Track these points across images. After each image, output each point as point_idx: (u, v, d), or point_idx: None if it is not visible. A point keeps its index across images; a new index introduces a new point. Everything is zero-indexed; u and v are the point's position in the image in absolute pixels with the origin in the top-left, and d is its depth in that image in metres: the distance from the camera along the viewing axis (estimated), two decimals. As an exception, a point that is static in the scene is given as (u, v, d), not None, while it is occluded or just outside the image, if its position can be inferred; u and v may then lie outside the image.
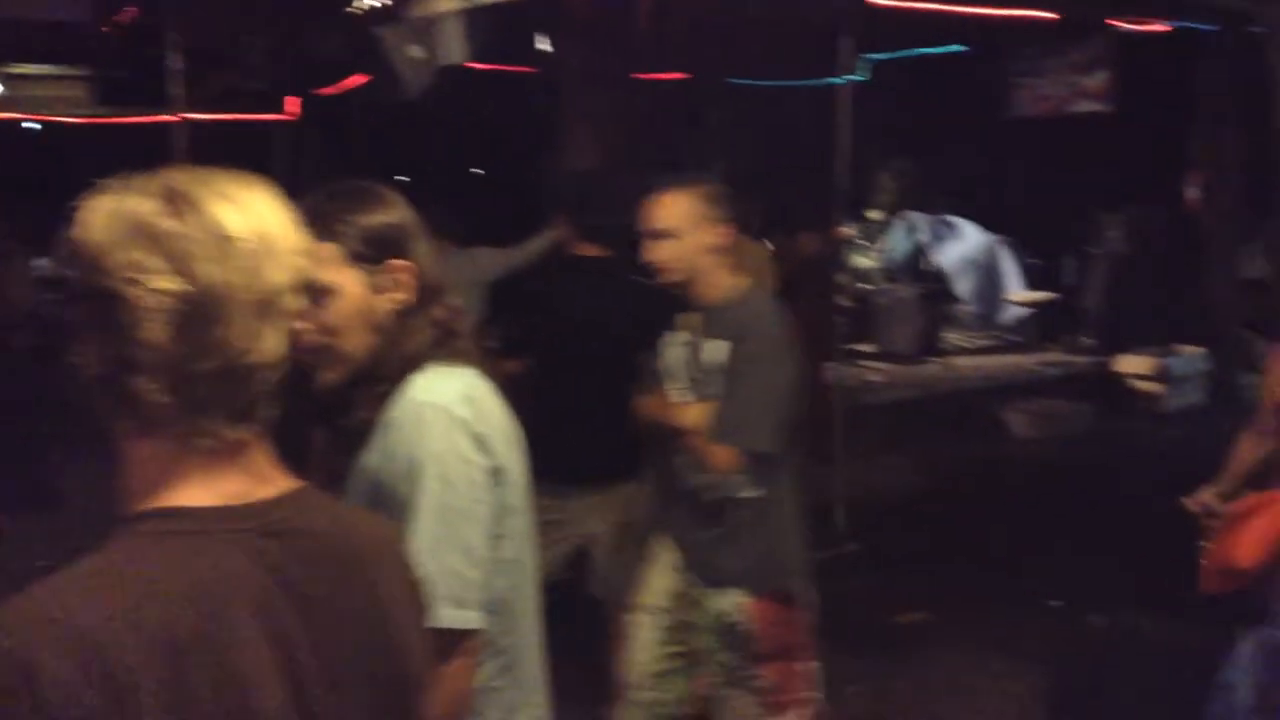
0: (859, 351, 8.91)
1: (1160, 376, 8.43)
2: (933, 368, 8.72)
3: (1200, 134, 8.90)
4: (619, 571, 3.46)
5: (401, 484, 1.55)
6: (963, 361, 8.92)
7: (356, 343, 1.64)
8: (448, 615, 1.51)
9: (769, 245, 7.29)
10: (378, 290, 1.67)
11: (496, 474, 1.62)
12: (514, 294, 4.29)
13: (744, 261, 7.14)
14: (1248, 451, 3.05)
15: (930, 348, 8.98)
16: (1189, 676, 3.73)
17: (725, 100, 12.91)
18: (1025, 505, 6.39)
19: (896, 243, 10.21)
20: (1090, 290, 9.57)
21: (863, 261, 10.42)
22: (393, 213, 1.70)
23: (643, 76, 11.57)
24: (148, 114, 11.65)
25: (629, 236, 3.17)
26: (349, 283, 1.64)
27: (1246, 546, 2.87)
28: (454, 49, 8.90)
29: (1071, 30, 10.72)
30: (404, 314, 1.67)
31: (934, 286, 9.46)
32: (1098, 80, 11.01)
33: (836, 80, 13.14)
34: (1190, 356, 8.68)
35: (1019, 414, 8.10)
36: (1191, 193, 9.10)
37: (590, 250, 3.78)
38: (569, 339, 3.66)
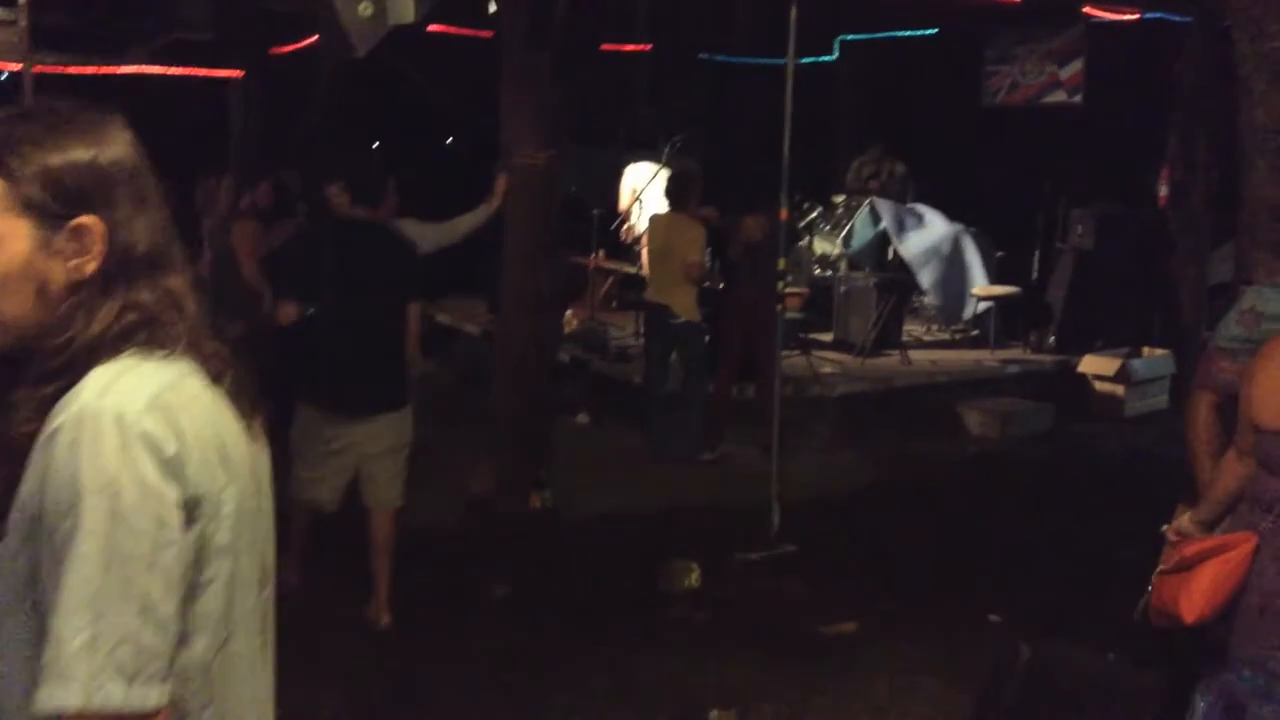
0: (813, 340, 8.61)
1: (1123, 379, 8.18)
2: (888, 360, 8.43)
3: (1172, 130, 8.64)
4: (391, 483, 4.54)
5: (62, 521, 1.16)
6: (920, 355, 8.63)
7: (13, 317, 1.27)
8: (116, 694, 1.15)
9: (709, 222, 6.99)
10: (54, 253, 1.27)
11: (194, 506, 1.23)
12: (295, 251, 5.08)
13: (674, 237, 6.85)
14: (1231, 475, 2.71)
15: (888, 339, 8.69)
16: (1132, 712, 3.46)
17: (691, 75, 12.63)
18: (976, 509, 6.12)
19: (859, 229, 9.91)
20: (1055, 287, 9.32)
21: (824, 247, 10.12)
22: (99, 151, 1.29)
23: (607, 47, 11.26)
24: (87, 64, 11.21)
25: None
26: (13, 236, 1.26)
27: (1194, 597, 2.55)
28: (403, 8, 8.51)
29: (1047, 17, 10.48)
30: (89, 289, 1.28)
31: (896, 276, 9.16)
32: (1071, 70, 10.77)
33: (806, 60, 12.86)
34: (1154, 359, 8.44)
35: (976, 412, 7.83)
36: (1162, 190, 8.84)
37: (360, 212, 4.52)
38: (344, 290, 4.36)
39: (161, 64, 11.36)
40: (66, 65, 11.04)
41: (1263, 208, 4.35)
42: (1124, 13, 9.25)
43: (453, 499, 5.95)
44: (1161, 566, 2.75)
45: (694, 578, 4.94)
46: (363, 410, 4.44)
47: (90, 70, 11.16)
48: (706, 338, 7.06)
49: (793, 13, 4.96)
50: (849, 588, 4.93)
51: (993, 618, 4.61)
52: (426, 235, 6.06)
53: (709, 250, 7.09)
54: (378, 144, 15.24)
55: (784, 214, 5.55)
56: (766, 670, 4.17)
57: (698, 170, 7.91)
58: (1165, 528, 2.93)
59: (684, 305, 6.89)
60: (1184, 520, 2.86)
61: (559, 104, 5.69)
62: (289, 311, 4.49)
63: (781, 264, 5.63)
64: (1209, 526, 2.79)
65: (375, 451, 4.51)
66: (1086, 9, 9.45)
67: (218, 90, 11.22)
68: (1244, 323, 2.95)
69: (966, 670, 4.03)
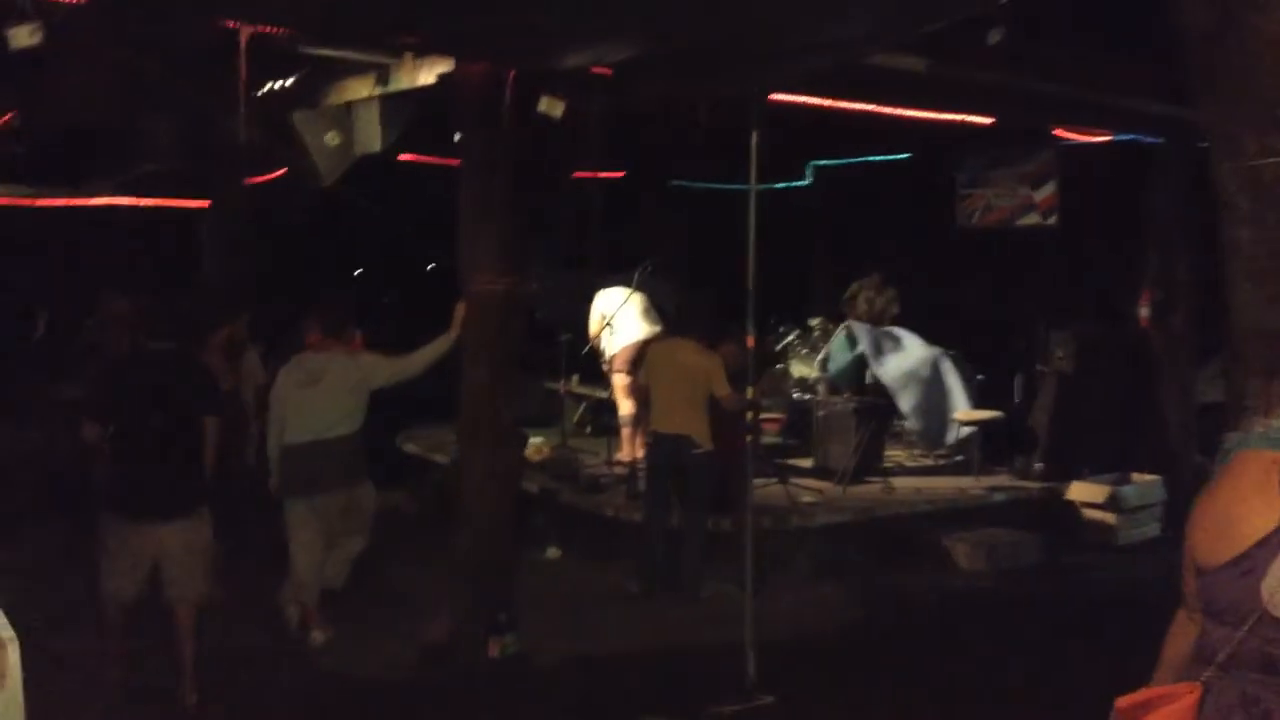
0: (792, 467, 8.32)
1: (1113, 506, 7.89)
2: (870, 488, 8.14)
3: (1150, 251, 8.54)
4: (188, 578, 4.96)
5: None
6: (903, 483, 8.34)
7: None
8: None
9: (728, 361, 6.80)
10: None
11: None
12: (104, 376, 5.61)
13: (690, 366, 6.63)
14: (1183, 637, 2.40)
15: (869, 466, 8.42)
16: None
17: (664, 200, 12.62)
18: (965, 652, 5.76)
19: (836, 353, 9.73)
20: (1038, 410, 9.10)
21: (801, 370, 9.91)
22: None
23: (580, 175, 11.22)
24: (54, 196, 11.09)
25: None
26: None
27: None
28: (370, 138, 8.45)
29: (1018, 140, 10.51)
30: None
31: (875, 400, 8.93)
32: (1045, 193, 10.75)
33: (779, 185, 12.87)
34: (1145, 485, 8.16)
35: (962, 544, 7.50)
36: (1142, 312, 8.70)
37: (161, 345, 5.14)
38: (140, 410, 5.00)
39: (130, 195, 11.27)
40: (33, 198, 10.95)
41: (1251, 333, 4.13)
42: (1094, 134, 9.24)
43: (407, 645, 5.57)
44: None
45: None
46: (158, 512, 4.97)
47: (58, 203, 11.06)
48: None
49: (753, 139, 4.81)
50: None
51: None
52: (384, 368, 5.85)
53: None
54: (360, 271, 15.22)
55: (750, 341, 5.33)
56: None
57: (706, 298, 7.80)
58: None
59: (704, 434, 6.65)
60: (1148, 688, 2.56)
61: (518, 231, 5.51)
62: (90, 430, 5.08)
63: (750, 392, 5.38)
64: None
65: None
66: (1057, 131, 9.44)
67: (189, 221, 11.11)
68: None
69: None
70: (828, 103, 6.96)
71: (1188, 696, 2.27)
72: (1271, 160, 4.18)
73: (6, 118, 8.82)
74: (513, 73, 5.04)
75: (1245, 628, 2.09)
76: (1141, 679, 3.04)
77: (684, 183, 12.50)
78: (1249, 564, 2.06)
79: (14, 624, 2.10)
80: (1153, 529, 8.03)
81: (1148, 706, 2.29)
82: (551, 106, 4.91)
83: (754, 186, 5.12)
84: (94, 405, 5.17)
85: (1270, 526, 2.06)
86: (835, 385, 9.56)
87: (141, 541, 4.94)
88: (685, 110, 6.44)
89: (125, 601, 4.99)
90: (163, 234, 11.20)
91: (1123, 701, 2.34)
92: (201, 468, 5.06)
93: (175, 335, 5.19)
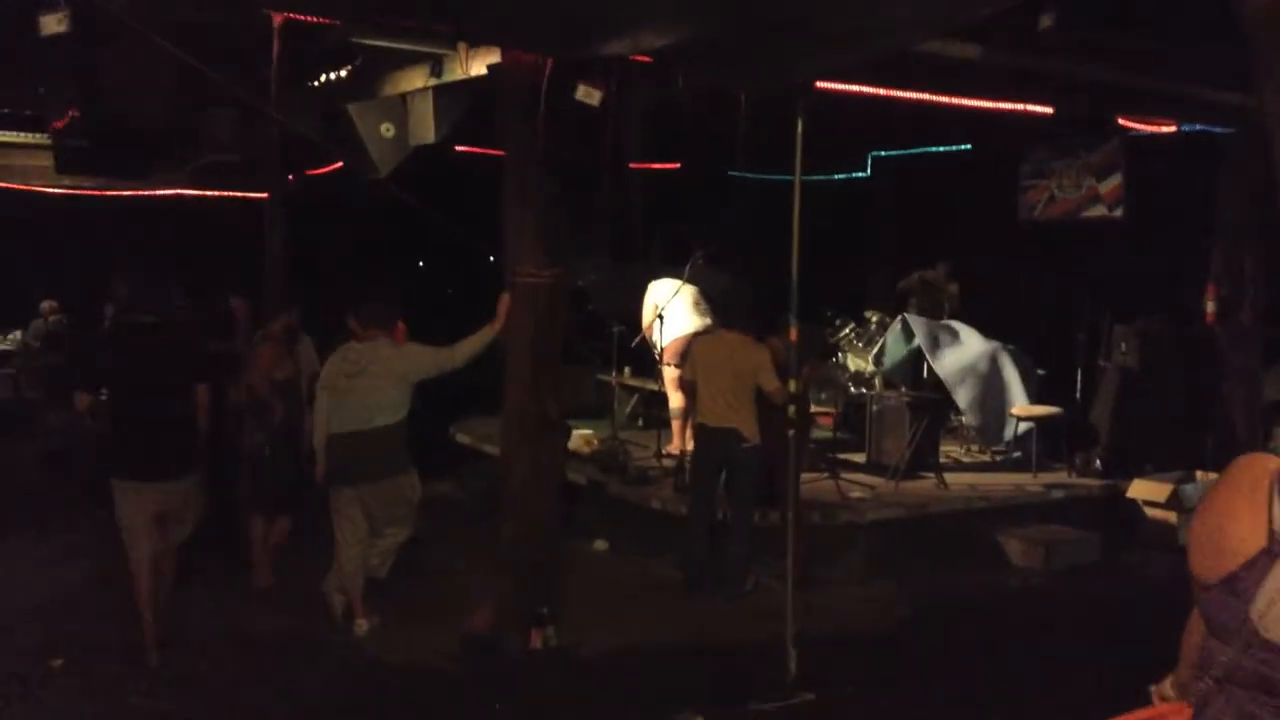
0: (844, 462, 8.21)
1: (1175, 505, 7.67)
2: (924, 484, 8.00)
3: (1217, 244, 8.28)
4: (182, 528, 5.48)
5: None
6: (958, 479, 8.19)
7: None
8: None
9: (776, 354, 6.72)
10: None
11: None
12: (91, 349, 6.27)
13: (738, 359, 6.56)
14: (1195, 633, 2.31)
15: (923, 462, 8.27)
16: None
17: (721, 191, 12.52)
18: (1018, 651, 5.63)
19: (892, 346, 9.57)
20: (1099, 406, 8.87)
21: (857, 364, 9.77)
22: None
23: (636, 165, 11.17)
24: (122, 187, 11.31)
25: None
26: None
27: None
28: (424, 128, 8.48)
29: (1082, 131, 10.26)
30: None
31: (931, 395, 8.78)
32: (1111, 184, 10.49)
33: (839, 176, 12.69)
34: (1209, 484, 7.92)
35: (1017, 541, 7.35)
36: (1208, 306, 8.44)
37: (149, 318, 5.55)
38: (135, 379, 5.44)
39: (195, 186, 11.44)
40: (101, 189, 11.17)
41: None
42: (1160, 124, 8.98)
43: (450, 635, 5.58)
44: None
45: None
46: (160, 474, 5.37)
47: (124, 194, 11.26)
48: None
49: (798, 128, 4.73)
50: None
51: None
52: (427, 359, 5.86)
53: None
54: (422, 263, 15.30)
55: (793, 334, 5.25)
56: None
57: (748, 289, 7.71)
58: (1152, 687, 2.52)
59: (752, 429, 6.59)
60: (1166, 683, 2.46)
61: (561, 223, 5.47)
62: (82, 400, 5.54)
63: (792, 385, 5.30)
64: (1187, 690, 2.38)
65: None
66: (1122, 121, 9.18)
67: (253, 212, 11.25)
68: None
69: None
70: (882, 91, 6.83)
71: (1176, 718, 2.20)
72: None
73: (69, 115, 9.01)
74: (550, 61, 5.00)
75: (1238, 648, 1.99)
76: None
77: (739, 173, 12.39)
78: (1238, 585, 1.95)
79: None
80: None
81: None
82: (588, 94, 4.87)
83: (798, 177, 5.04)
84: (83, 376, 5.73)
85: (1257, 547, 1.94)
86: (890, 379, 9.42)
87: (146, 501, 5.32)
88: (733, 99, 6.35)
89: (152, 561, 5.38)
90: (228, 224, 11.37)
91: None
92: (196, 431, 5.49)
93: (156, 310, 5.60)
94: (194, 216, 11.84)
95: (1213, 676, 2.06)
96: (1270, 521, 1.92)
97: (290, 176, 10.78)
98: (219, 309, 7.70)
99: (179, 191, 11.56)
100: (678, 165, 12.00)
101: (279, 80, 6.86)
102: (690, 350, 7.25)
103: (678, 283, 8.52)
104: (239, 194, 10.97)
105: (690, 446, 7.89)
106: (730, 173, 12.54)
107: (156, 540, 5.36)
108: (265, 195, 10.66)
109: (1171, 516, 7.68)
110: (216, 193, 10.97)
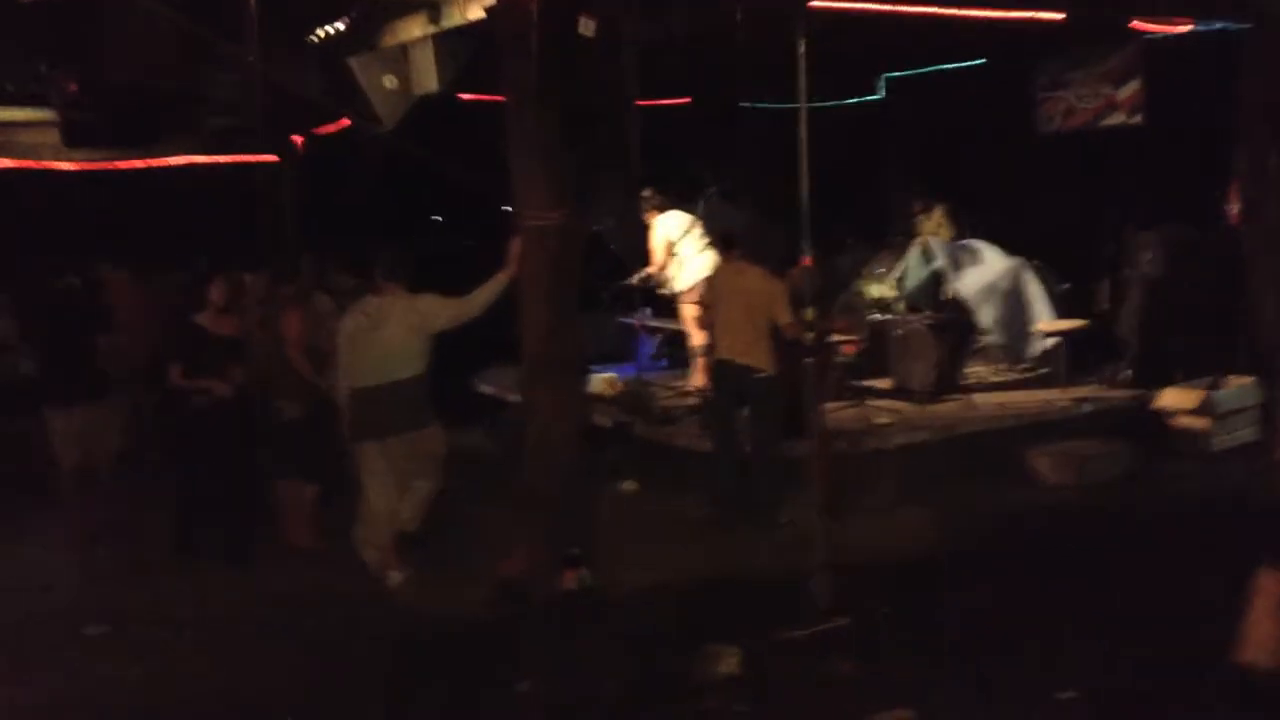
0: (870, 389, 8.17)
1: (1206, 411, 7.59)
2: (951, 406, 7.95)
3: (1240, 144, 8.09)
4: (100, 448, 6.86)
5: None
6: (985, 399, 8.13)
7: None
8: None
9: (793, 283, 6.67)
10: None
11: None
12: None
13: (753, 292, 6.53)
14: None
15: (949, 384, 8.21)
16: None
17: (733, 124, 12.35)
18: (1051, 569, 5.60)
19: (912, 270, 9.48)
20: (1126, 317, 8.76)
21: (878, 290, 9.67)
22: None
23: (643, 102, 11.02)
24: (132, 158, 11.27)
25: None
26: None
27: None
28: (427, 76, 8.38)
29: (1097, 37, 10.02)
30: None
31: (953, 317, 8.70)
32: (1129, 90, 10.26)
33: (851, 100, 12.46)
34: (1239, 389, 7.83)
35: (1048, 457, 7.30)
36: (1233, 208, 8.28)
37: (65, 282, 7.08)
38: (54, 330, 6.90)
39: (197, 153, 11.38)
40: (104, 162, 11.13)
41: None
42: (1176, 24, 8.75)
43: (482, 583, 5.62)
44: None
45: (733, 663, 4.51)
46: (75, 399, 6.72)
47: (127, 165, 11.22)
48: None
49: (800, 49, 4.63)
50: (904, 667, 4.47)
51: (1066, 694, 4.11)
52: (444, 310, 5.84)
53: None
54: (439, 216, 15.22)
55: (808, 261, 5.19)
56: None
57: (763, 223, 7.65)
58: None
59: (766, 360, 6.59)
60: None
61: (568, 163, 5.40)
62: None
63: (809, 314, 5.26)
64: None
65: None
66: (1135, 24, 8.96)
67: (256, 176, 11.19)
68: None
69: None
70: (885, 8, 6.69)
71: None
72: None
73: (72, 87, 8.99)
74: (542, -5, 4.91)
75: None
76: (1237, 589, 2.87)
77: (750, 103, 12.21)
78: None
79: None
80: (1247, 433, 7.72)
81: None
82: (585, 27, 4.78)
83: (803, 104, 4.95)
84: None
85: None
86: (913, 303, 9.33)
87: (69, 420, 6.63)
88: (736, 28, 6.24)
89: (74, 466, 6.71)
90: (232, 190, 11.32)
91: None
92: (99, 369, 6.82)
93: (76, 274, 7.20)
94: (205, 184, 11.80)
95: None
96: None
97: (300, 138, 10.73)
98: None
99: (189, 159, 11.52)
100: (688, 100, 11.84)
101: (263, 31, 6.78)
102: (708, 285, 7.21)
103: (689, 217, 8.44)
104: (248, 158, 10.91)
105: (712, 382, 7.89)
106: (740, 104, 12.38)
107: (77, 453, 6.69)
108: (275, 159, 10.62)
109: (1202, 423, 7.61)
110: (226, 158, 10.91)
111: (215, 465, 6.36)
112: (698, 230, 8.41)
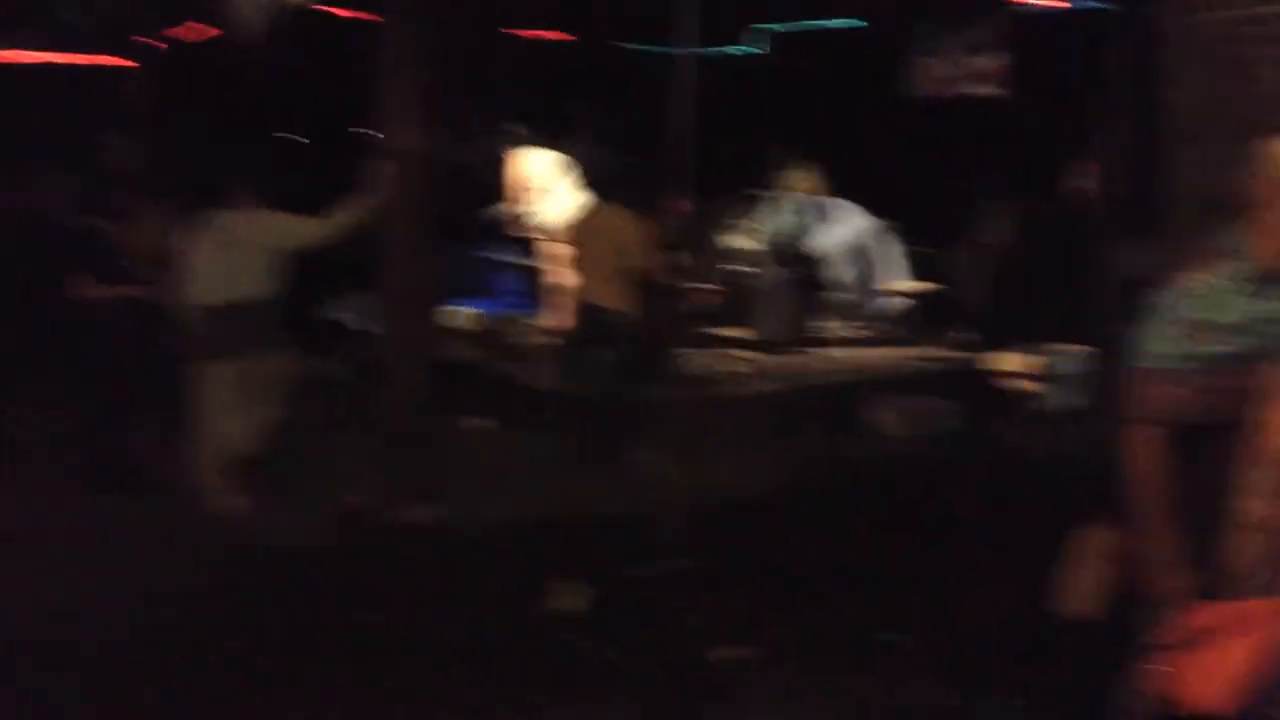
0: (727, 338, 8.30)
1: (1039, 375, 7.94)
2: (804, 358, 8.15)
3: (1097, 122, 8.41)
4: None
5: None
6: (837, 353, 8.37)
7: None
8: None
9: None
10: None
11: None
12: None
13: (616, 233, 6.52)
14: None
15: (803, 337, 8.41)
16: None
17: (605, 64, 12.24)
18: (886, 517, 5.80)
19: (775, 223, 9.61)
20: (974, 283, 9.09)
21: (740, 241, 9.80)
22: None
23: (511, 31, 10.83)
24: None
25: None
26: None
27: (1215, 681, 2.08)
28: (294, -18, 8.05)
29: (969, 7, 10.24)
30: None
31: (811, 271, 8.89)
32: (995, 61, 10.53)
33: (726, 50, 12.50)
34: (1071, 356, 8.20)
35: (889, 410, 7.55)
36: (1083, 182, 8.62)
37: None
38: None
39: (57, 51, 10.70)
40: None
41: (1191, 201, 4.05)
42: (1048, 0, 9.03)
43: (327, 513, 5.52)
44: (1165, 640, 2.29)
45: (579, 599, 4.57)
46: None
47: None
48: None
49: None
50: (745, 607, 4.59)
51: (893, 638, 4.29)
52: (300, 228, 5.65)
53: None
54: (288, 133, 14.67)
55: (682, 207, 5.22)
56: (639, 697, 3.83)
57: (632, 165, 7.63)
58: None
59: (628, 304, 6.61)
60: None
61: (439, 87, 5.29)
62: None
63: (678, 260, 5.28)
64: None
65: None
66: (1009, -4, 9.20)
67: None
68: (1194, 336, 2.51)
69: (867, 700, 3.71)
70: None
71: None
72: (1212, 16, 4.06)
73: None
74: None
75: None
76: (1060, 542, 3.02)
77: (631, 45, 12.12)
78: None
79: None
80: (1077, 398, 8.11)
81: (1229, 627, 2.08)
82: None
83: (682, 51, 4.93)
84: None
85: None
86: (773, 256, 9.49)
87: None
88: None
89: None
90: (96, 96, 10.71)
91: (1200, 616, 2.12)
92: None
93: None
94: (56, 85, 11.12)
95: None
96: None
97: (163, 44, 10.22)
98: None
99: (39, 57, 10.82)
100: (567, 36, 11.68)
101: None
102: (572, 226, 7.18)
103: (559, 155, 8.37)
104: (105, 59, 10.33)
105: (571, 323, 7.90)
106: (622, 45, 12.27)
107: None
108: (134, 64, 10.09)
109: (1036, 386, 7.96)
110: (81, 58, 10.30)
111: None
112: (567, 169, 8.35)
